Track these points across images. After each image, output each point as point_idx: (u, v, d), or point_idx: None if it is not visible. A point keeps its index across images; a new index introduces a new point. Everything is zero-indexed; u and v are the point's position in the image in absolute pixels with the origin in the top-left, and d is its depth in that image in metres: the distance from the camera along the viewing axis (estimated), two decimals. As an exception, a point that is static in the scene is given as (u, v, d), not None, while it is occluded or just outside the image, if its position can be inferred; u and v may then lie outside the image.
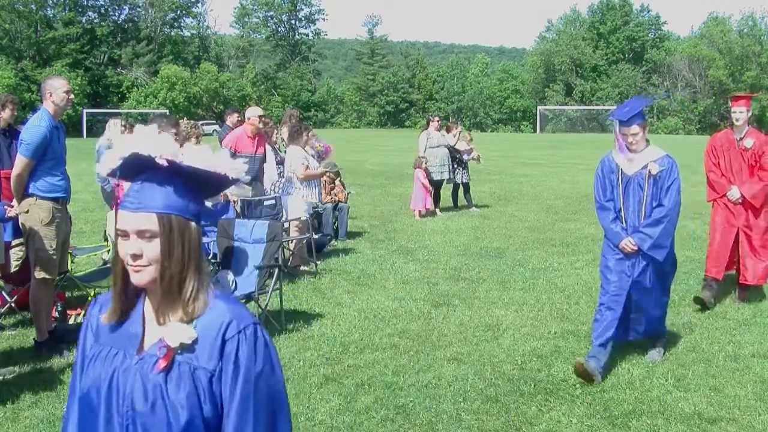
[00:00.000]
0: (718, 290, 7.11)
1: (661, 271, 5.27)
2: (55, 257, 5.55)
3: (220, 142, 10.27)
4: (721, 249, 7.08)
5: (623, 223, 5.19)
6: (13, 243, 6.76)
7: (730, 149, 7.09)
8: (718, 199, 7.15)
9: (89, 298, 6.41)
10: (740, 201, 6.99)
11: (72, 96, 5.68)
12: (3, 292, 6.49)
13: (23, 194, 5.50)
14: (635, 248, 5.07)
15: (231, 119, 10.69)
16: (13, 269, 6.99)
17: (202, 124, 37.45)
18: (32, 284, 5.65)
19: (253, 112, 8.79)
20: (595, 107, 75.47)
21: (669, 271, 5.43)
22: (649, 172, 5.08)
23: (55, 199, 5.55)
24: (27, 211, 5.49)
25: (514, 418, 4.45)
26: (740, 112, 6.98)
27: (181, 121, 7.69)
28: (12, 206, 5.68)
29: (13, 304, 6.45)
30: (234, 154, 8.61)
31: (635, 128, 5.04)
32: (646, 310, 5.33)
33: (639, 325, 5.38)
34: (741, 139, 7.03)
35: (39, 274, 5.53)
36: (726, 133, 7.28)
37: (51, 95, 5.49)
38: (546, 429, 4.32)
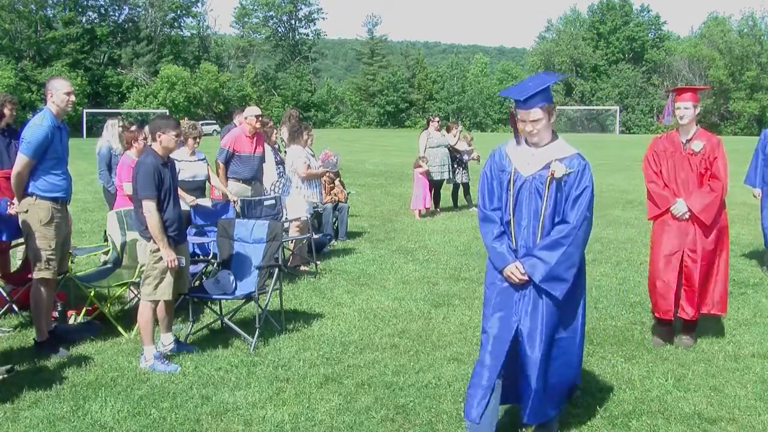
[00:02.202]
0: (673, 331, 5.87)
1: (560, 311, 3.88)
2: (54, 257, 5.55)
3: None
4: (670, 280, 5.78)
5: (512, 241, 3.93)
6: (13, 243, 6.75)
7: (675, 154, 5.87)
8: (661, 215, 5.89)
9: (89, 298, 6.40)
10: (687, 216, 5.75)
11: (74, 98, 5.69)
12: (3, 292, 6.49)
13: (23, 193, 5.51)
14: (524, 277, 3.81)
15: (239, 118, 10.70)
16: (13, 269, 7.00)
17: (202, 124, 37.41)
18: (34, 284, 5.65)
19: (251, 111, 8.79)
20: (595, 107, 75.49)
21: (573, 314, 3.99)
22: (552, 174, 3.80)
23: (54, 199, 5.55)
24: (26, 211, 5.50)
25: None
26: (686, 109, 5.77)
27: (181, 121, 7.69)
28: (13, 204, 5.68)
29: (13, 305, 6.44)
30: (233, 154, 8.62)
31: (536, 112, 3.79)
32: (529, 376, 3.86)
33: (526, 392, 3.96)
34: (688, 141, 5.83)
35: (38, 273, 5.53)
36: (670, 135, 6.02)
37: (52, 96, 5.51)
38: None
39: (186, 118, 7.99)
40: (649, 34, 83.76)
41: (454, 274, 8.43)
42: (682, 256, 5.77)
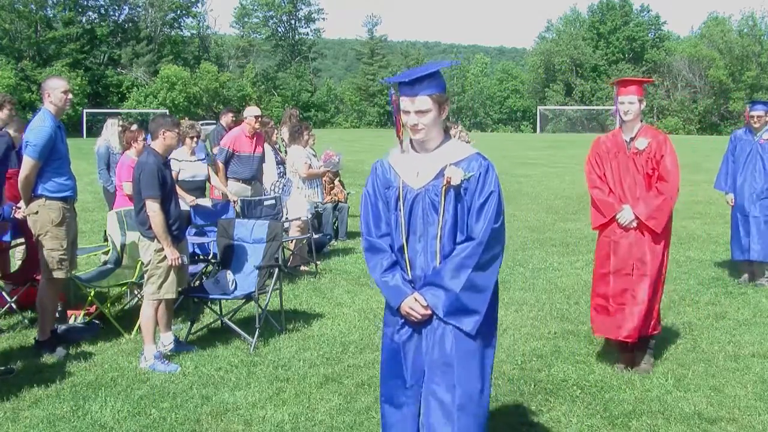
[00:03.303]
0: (635, 352, 5.31)
1: (468, 350, 3.09)
2: (66, 257, 5.56)
3: (212, 142, 10.25)
4: (614, 296, 5.25)
5: (407, 270, 3.17)
6: (13, 243, 6.76)
7: (619, 155, 5.24)
8: (607, 225, 5.26)
9: (89, 298, 6.40)
10: (634, 225, 5.13)
11: (71, 96, 5.69)
12: (3, 292, 6.49)
13: (31, 196, 5.49)
14: (427, 312, 3.06)
15: (225, 119, 10.71)
16: (12, 269, 7.00)
17: (202, 124, 37.36)
18: (42, 284, 5.65)
19: (251, 112, 8.80)
20: (595, 107, 75.47)
21: (484, 349, 3.16)
22: (448, 181, 3.08)
23: (64, 199, 5.56)
24: (36, 212, 5.49)
25: (514, 418, 4.45)
26: (630, 103, 5.13)
27: (182, 121, 7.70)
28: (19, 207, 5.68)
29: (13, 305, 6.45)
30: (232, 154, 8.63)
31: (424, 101, 3.04)
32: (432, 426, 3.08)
33: None
34: (632, 139, 5.20)
35: (51, 274, 5.52)
36: (614, 134, 5.39)
37: (49, 95, 5.51)
38: (546, 429, 4.32)
39: (186, 118, 7.98)
40: (649, 34, 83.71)
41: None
42: (632, 269, 5.17)
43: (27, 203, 5.54)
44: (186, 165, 7.70)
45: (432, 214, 3.14)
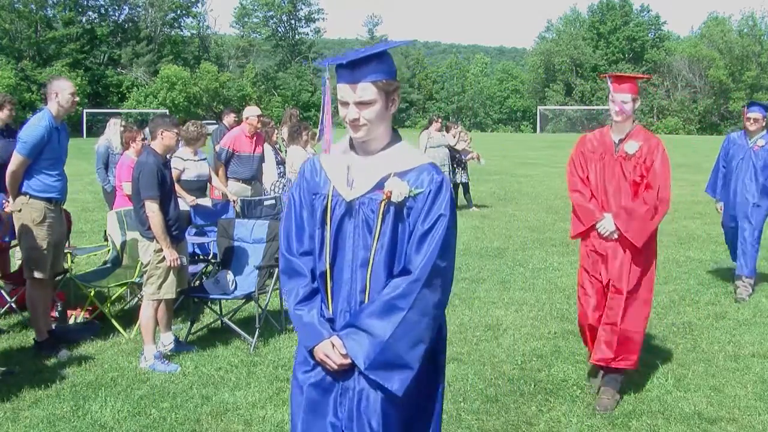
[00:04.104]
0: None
1: (396, 416, 2.48)
2: (46, 257, 5.54)
3: (213, 142, 10.26)
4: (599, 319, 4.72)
5: (328, 303, 2.56)
6: (13, 243, 6.76)
7: (605, 157, 4.73)
8: (586, 233, 4.77)
9: (89, 298, 6.41)
10: (615, 236, 4.60)
11: (77, 98, 5.70)
12: (3, 292, 6.49)
13: (17, 192, 5.50)
14: (345, 361, 2.45)
15: (228, 119, 10.70)
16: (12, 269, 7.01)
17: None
18: (27, 284, 5.65)
19: (251, 111, 8.80)
20: (595, 107, 75.46)
21: (419, 414, 2.59)
22: (388, 196, 2.45)
23: (48, 200, 5.54)
24: (20, 210, 5.49)
25: (514, 418, 4.45)
26: (623, 102, 4.65)
27: (188, 122, 7.71)
28: (8, 202, 5.68)
29: (13, 304, 6.45)
30: (232, 154, 8.63)
31: (367, 89, 2.43)
32: None
33: None
34: (621, 141, 4.69)
35: (31, 273, 5.53)
36: (601, 133, 4.89)
37: (57, 95, 5.50)
38: (546, 429, 4.32)
39: (192, 120, 7.98)
40: (649, 34, 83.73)
41: (454, 274, 8.41)
42: (606, 286, 4.67)
43: (14, 199, 5.54)
44: (191, 164, 7.70)
45: (365, 235, 2.49)
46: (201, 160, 7.94)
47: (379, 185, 2.48)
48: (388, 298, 2.43)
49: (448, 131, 13.95)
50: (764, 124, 7.43)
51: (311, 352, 2.51)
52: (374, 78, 2.43)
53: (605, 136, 4.82)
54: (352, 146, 2.58)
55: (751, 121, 7.39)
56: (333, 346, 2.46)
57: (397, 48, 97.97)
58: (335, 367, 2.46)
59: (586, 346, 5.07)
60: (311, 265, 2.57)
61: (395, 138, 2.58)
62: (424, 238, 2.44)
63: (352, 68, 2.43)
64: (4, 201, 5.77)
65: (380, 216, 2.47)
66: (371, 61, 2.44)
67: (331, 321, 2.53)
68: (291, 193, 2.68)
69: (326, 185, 2.57)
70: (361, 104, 2.43)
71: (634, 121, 4.77)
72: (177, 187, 6.64)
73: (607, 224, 4.62)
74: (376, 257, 2.47)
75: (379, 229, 2.47)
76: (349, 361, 2.45)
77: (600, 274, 4.70)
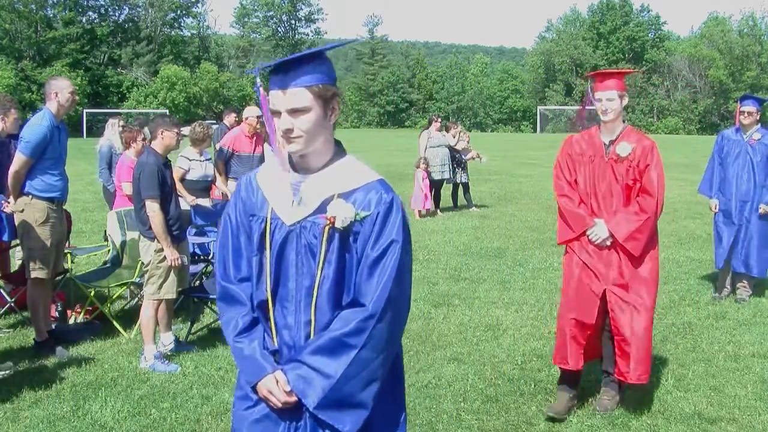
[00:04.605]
0: (578, 393, 4.59)
1: None
2: (49, 257, 5.55)
3: (214, 142, 10.27)
4: (578, 325, 4.44)
5: (273, 336, 2.34)
6: (13, 243, 6.76)
7: (595, 160, 4.45)
8: (575, 240, 4.49)
9: (89, 298, 6.41)
10: (608, 243, 4.36)
11: (76, 97, 5.72)
12: (3, 292, 6.49)
13: (19, 192, 5.51)
14: (291, 399, 2.26)
15: (228, 119, 10.71)
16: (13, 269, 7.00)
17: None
18: (28, 284, 5.66)
19: (251, 112, 8.80)
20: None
21: None
22: (331, 222, 2.21)
23: (50, 199, 5.55)
24: (22, 210, 5.50)
25: (514, 418, 4.45)
26: (609, 100, 4.38)
27: (195, 123, 7.75)
28: (9, 202, 5.69)
29: (13, 304, 6.45)
30: (232, 154, 8.63)
31: (301, 95, 2.17)
32: None
33: None
34: (611, 143, 4.42)
35: (33, 273, 5.53)
36: (590, 134, 4.56)
37: (57, 95, 5.51)
38: (546, 429, 4.32)
39: (199, 121, 8.00)
40: (649, 34, 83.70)
41: (454, 274, 8.43)
42: (604, 294, 4.39)
43: (15, 199, 5.55)
44: (196, 165, 7.73)
45: (308, 263, 2.25)
46: (206, 160, 7.96)
47: (322, 208, 2.23)
48: (339, 335, 2.19)
49: (448, 131, 13.95)
50: (758, 117, 7.21)
51: (254, 388, 2.30)
52: (308, 82, 2.17)
53: (594, 137, 4.52)
54: (291, 163, 2.30)
55: (745, 114, 7.12)
56: (277, 381, 2.25)
57: (397, 48, 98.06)
58: (279, 405, 2.25)
59: (560, 364, 4.55)
60: (250, 292, 2.35)
61: (339, 152, 2.29)
62: (374, 266, 2.20)
63: (284, 72, 2.18)
64: (3, 201, 5.77)
65: (324, 243, 2.22)
66: (304, 64, 2.19)
67: (275, 353, 2.31)
68: (226, 213, 2.42)
69: (264, 206, 2.33)
70: (294, 112, 2.17)
71: (624, 121, 4.52)
72: (178, 186, 6.64)
73: (599, 231, 4.35)
74: (322, 287, 2.24)
75: (324, 258, 2.23)
76: (294, 399, 2.24)
77: (590, 281, 4.40)
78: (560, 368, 4.56)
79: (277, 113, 2.19)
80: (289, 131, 2.17)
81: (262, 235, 2.32)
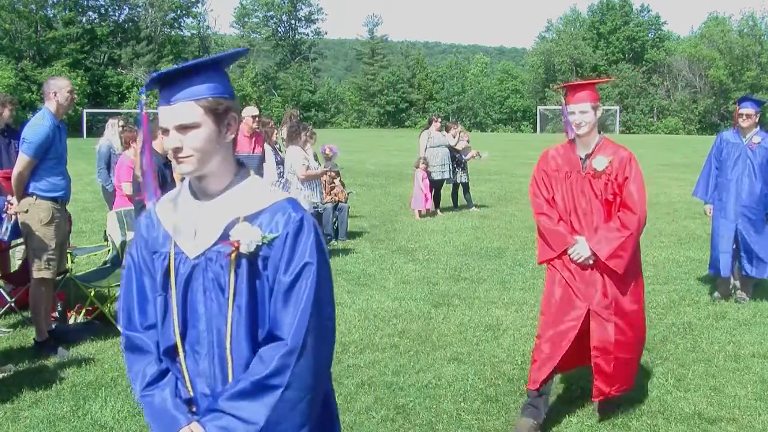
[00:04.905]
0: (545, 409, 4.32)
1: None
2: (54, 257, 5.56)
3: None
4: (555, 347, 4.22)
5: (186, 382, 2.14)
6: (13, 243, 6.76)
7: (572, 175, 4.28)
8: (555, 259, 4.31)
9: (89, 298, 6.40)
10: (591, 262, 4.18)
11: (75, 96, 5.73)
12: (3, 292, 6.49)
13: (23, 193, 5.51)
14: None
15: None
16: (13, 269, 7.00)
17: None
18: (31, 284, 5.66)
19: (248, 111, 8.81)
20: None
21: None
22: (236, 247, 2.02)
23: (54, 199, 5.56)
24: (26, 211, 5.50)
25: (514, 418, 4.45)
26: (582, 113, 4.21)
27: None
28: (12, 203, 5.69)
29: (13, 304, 6.45)
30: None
31: (187, 109, 1.99)
32: None
33: None
34: (588, 157, 4.26)
35: (38, 273, 5.53)
36: (565, 149, 4.39)
37: (56, 95, 5.51)
38: (545, 429, 4.32)
39: None
40: (649, 34, 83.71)
41: (454, 274, 8.43)
42: (588, 315, 4.20)
43: (19, 200, 5.55)
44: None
45: (218, 297, 2.05)
46: None
47: (225, 235, 2.03)
48: (260, 377, 1.98)
49: (448, 131, 13.95)
50: (757, 120, 7.06)
51: None
52: (196, 95, 1.98)
53: (570, 151, 4.35)
54: (191, 189, 2.12)
55: (744, 117, 6.98)
56: None
57: (397, 48, 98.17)
58: None
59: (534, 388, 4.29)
60: (157, 339, 2.15)
61: (241, 174, 2.11)
62: (289, 294, 2.00)
63: (170, 84, 2.00)
64: (7, 203, 5.78)
65: (232, 272, 2.02)
66: (192, 75, 2.00)
67: (189, 402, 2.11)
68: (128, 253, 2.22)
69: (167, 241, 2.12)
70: (182, 128, 1.98)
71: (600, 132, 4.32)
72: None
73: (580, 249, 4.17)
74: (235, 323, 2.03)
75: (233, 289, 2.03)
76: None
77: (571, 300, 4.22)
78: (529, 390, 4.32)
79: (165, 131, 2.00)
80: (177, 150, 1.98)
81: (166, 272, 2.10)
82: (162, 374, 2.13)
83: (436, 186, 13.44)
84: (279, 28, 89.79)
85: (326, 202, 10.48)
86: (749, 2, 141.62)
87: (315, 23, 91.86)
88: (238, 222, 2.03)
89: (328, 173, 10.60)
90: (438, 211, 13.47)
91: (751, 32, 79.57)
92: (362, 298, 7.29)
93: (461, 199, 14.11)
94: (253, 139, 8.71)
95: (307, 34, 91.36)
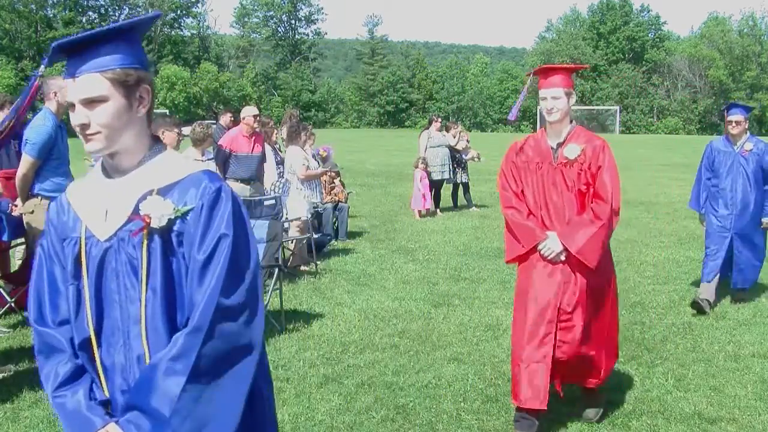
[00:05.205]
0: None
1: None
2: None
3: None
4: (542, 354, 3.97)
5: (101, 381, 2.01)
6: (13, 243, 6.76)
7: (543, 166, 4.06)
8: (526, 257, 4.08)
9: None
10: (562, 258, 3.95)
11: None
12: (3, 292, 6.49)
13: (28, 194, 5.51)
14: None
15: (224, 119, 10.73)
16: (13, 269, 7.00)
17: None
18: None
19: (248, 111, 8.82)
20: (595, 107, 75.49)
21: None
22: (146, 222, 1.89)
23: None
24: (32, 212, 5.50)
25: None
26: (554, 99, 3.99)
27: (195, 123, 7.81)
28: (16, 205, 5.69)
29: (13, 304, 6.45)
30: (230, 154, 8.65)
31: (92, 82, 1.84)
32: None
33: None
34: (560, 146, 4.05)
35: None
36: (535, 139, 4.20)
37: (56, 95, 5.52)
38: (545, 429, 4.32)
39: (199, 122, 8.07)
40: (649, 34, 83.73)
41: (454, 274, 8.43)
42: (558, 313, 3.95)
43: (23, 201, 5.55)
44: (198, 165, 7.76)
45: (132, 281, 1.88)
46: (208, 160, 8.00)
47: (137, 210, 1.87)
48: (166, 362, 1.78)
49: (448, 131, 13.96)
50: (746, 126, 6.90)
51: None
52: (102, 66, 1.82)
53: (540, 141, 4.13)
54: (102, 168, 1.96)
55: (733, 124, 6.80)
56: None
57: (397, 48, 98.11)
58: None
59: (515, 398, 4.09)
60: (69, 335, 1.96)
61: (156, 149, 1.95)
62: (204, 271, 1.82)
63: (73, 55, 1.83)
64: (11, 205, 5.78)
65: (144, 251, 1.85)
66: (98, 44, 1.82)
67: (107, 404, 1.94)
68: (39, 244, 2.03)
69: (77, 225, 1.94)
70: (88, 103, 1.83)
71: (572, 121, 4.11)
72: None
73: (552, 244, 3.93)
74: (150, 307, 1.85)
75: (146, 269, 1.85)
76: None
77: (543, 304, 3.96)
78: (524, 409, 4.05)
79: (72, 106, 1.86)
80: (84, 126, 1.84)
81: (77, 259, 1.92)
82: (75, 374, 1.95)
83: (436, 186, 13.44)
84: (279, 28, 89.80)
85: (326, 202, 10.48)
86: (749, 2, 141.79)
87: (315, 23, 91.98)
88: (153, 194, 1.87)
89: (328, 173, 10.61)
90: (438, 211, 13.47)
91: (751, 32, 79.59)
92: (362, 298, 7.29)
93: (461, 199, 14.12)
94: (253, 138, 8.72)
95: (307, 34, 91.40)
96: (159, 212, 1.84)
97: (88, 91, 1.82)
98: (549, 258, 3.97)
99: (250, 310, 1.87)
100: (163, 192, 1.88)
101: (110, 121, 1.84)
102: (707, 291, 6.82)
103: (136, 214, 1.86)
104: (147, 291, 1.86)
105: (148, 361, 1.86)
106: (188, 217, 1.86)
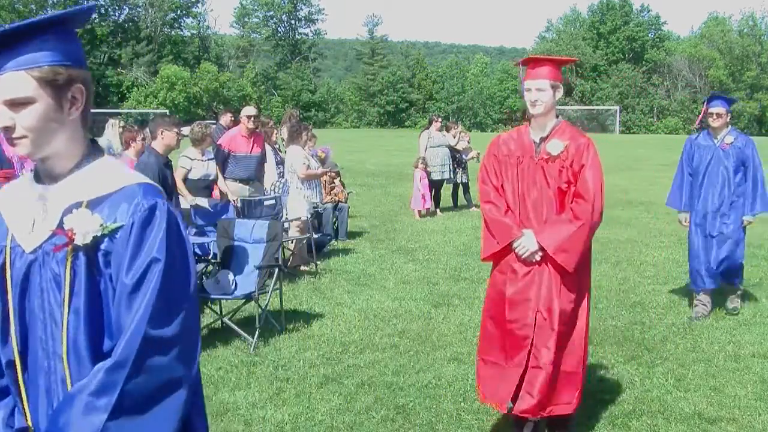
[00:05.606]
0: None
1: None
2: None
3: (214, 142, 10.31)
4: (517, 357, 3.82)
5: (23, 406, 1.81)
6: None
7: (524, 161, 3.88)
8: (501, 255, 3.94)
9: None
10: (538, 258, 3.77)
11: None
12: None
13: None
14: None
15: (224, 119, 10.75)
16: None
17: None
18: None
19: (247, 111, 8.82)
20: (595, 107, 75.51)
21: None
22: (71, 239, 1.69)
23: None
24: None
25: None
26: (539, 90, 3.81)
27: (194, 123, 7.81)
28: None
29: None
30: (229, 154, 8.66)
31: (16, 81, 1.64)
32: None
33: None
34: (542, 141, 3.88)
35: None
36: (519, 132, 4.00)
37: None
38: (545, 428, 4.31)
39: (198, 121, 8.08)
40: (649, 34, 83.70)
41: (454, 274, 8.43)
42: (536, 316, 3.76)
43: None
44: (197, 164, 7.76)
45: (56, 300, 1.70)
46: (209, 160, 8.00)
47: (62, 224, 1.69)
48: (86, 396, 1.61)
49: (448, 131, 13.96)
50: (728, 119, 6.54)
51: None
52: (27, 63, 1.63)
53: (523, 135, 3.94)
54: (35, 172, 1.79)
55: (714, 116, 6.45)
56: None
57: (397, 48, 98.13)
58: None
59: (482, 402, 4.03)
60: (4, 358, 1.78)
61: (92, 154, 1.79)
62: (133, 297, 1.64)
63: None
64: None
65: (68, 268, 1.67)
66: (24, 38, 1.63)
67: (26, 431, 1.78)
68: None
69: (5, 234, 1.76)
70: (13, 105, 1.63)
71: (558, 116, 3.94)
72: (179, 185, 6.66)
73: (527, 242, 3.75)
74: (71, 329, 1.67)
75: (69, 288, 1.67)
76: None
77: (518, 306, 3.80)
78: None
79: None
80: (8, 129, 1.64)
81: (2, 271, 1.74)
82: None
83: (436, 186, 13.44)
84: (279, 28, 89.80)
85: (326, 202, 10.48)
86: (749, 2, 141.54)
87: (315, 23, 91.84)
88: (81, 208, 1.69)
89: (329, 173, 10.61)
90: (438, 211, 13.47)
91: (751, 32, 79.59)
92: (362, 298, 7.29)
93: (461, 199, 14.11)
94: (252, 139, 8.72)
95: (307, 34, 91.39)
96: (84, 228, 1.66)
97: (12, 91, 1.62)
98: (524, 257, 3.78)
99: (183, 342, 1.74)
100: (93, 205, 1.69)
101: (37, 124, 1.65)
102: (704, 298, 6.67)
103: (60, 228, 1.68)
104: (69, 312, 1.68)
105: (69, 386, 1.68)
106: (117, 236, 1.67)
